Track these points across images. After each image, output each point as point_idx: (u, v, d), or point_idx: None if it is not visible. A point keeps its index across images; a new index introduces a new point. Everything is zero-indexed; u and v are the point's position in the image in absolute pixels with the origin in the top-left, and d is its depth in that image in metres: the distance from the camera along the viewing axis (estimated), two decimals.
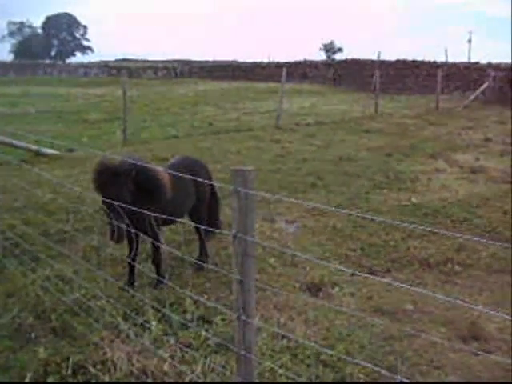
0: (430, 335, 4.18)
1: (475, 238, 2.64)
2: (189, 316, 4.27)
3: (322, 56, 62.57)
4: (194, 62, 45.63)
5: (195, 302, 4.36)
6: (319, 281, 4.97)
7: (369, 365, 2.95)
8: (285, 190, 8.15)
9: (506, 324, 4.31)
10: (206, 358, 3.70)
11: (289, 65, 34.71)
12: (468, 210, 7.16)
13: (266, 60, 38.34)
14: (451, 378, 3.64)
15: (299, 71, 35.36)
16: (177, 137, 13.05)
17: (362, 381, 3.57)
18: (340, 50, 72.94)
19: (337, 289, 4.93)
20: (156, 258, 4.90)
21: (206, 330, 4.05)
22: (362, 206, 7.39)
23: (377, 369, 2.85)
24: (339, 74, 32.89)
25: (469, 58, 42.16)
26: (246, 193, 2.60)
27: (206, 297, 4.66)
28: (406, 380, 2.90)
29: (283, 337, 3.98)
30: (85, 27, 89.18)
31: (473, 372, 3.70)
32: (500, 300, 4.76)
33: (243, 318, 2.73)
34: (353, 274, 5.23)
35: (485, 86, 20.93)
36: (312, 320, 4.33)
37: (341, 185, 8.57)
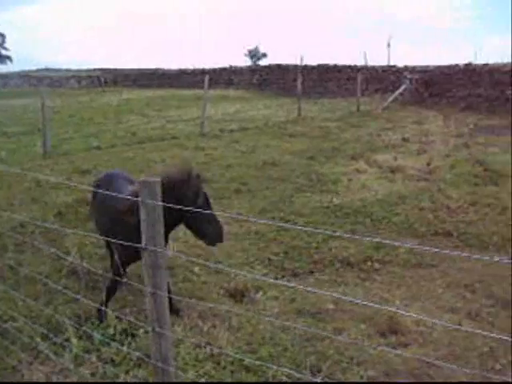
0: (351, 333, 4.30)
1: (386, 241, 2.73)
2: (111, 331, 4.18)
3: (247, 62, 62.86)
4: (118, 70, 44.71)
5: (118, 316, 4.28)
6: (243, 286, 5.00)
7: (285, 368, 3.01)
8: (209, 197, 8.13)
9: (420, 317, 4.48)
10: (127, 372, 3.65)
11: (214, 71, 34.79)
12: (387, 208, 7.40)
13: (190, 67, 38.08)
14: (370, 373, 3.75)
15: (224, 77, 35.46)
16: (99, 148, 12.76)
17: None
18: (265, 55, 73.61)
19: (260, 293, 4.98)
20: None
21: (129, 344, 3.99)
22: (286, 209, 7.50)
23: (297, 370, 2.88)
24: (264, 79, 33.19)
25: (388, 61, 43.50)
26: (153, 204, 2.58)
27: (127, 310, 4.59)
28: (328, 380, 2.97)
29: (206, 345, 3.98)
30: (2, 36, 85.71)
31: (390, 365, 3.83)
32: (416, 294, 4.95)
33: (158, 329, 2.71)
34: (276, 278, 5.32)
35: (402, 88, 21.71)
36: (235, 326, 4.35)
37: (265, 189, 8.65)
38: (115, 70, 45.15)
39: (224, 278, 5.30)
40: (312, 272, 5.50)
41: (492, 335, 4.18)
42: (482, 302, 4.74)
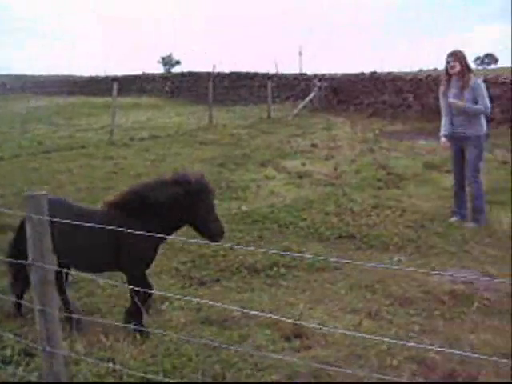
0: (256, 339, 4.34)
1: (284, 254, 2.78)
2: (9, 352, 4.00)
3: (160, 69, 62.33)
4: (27, 76, 43.00)
5: (16, 335, 4.10)
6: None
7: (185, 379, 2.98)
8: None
9: (324, 319, 4.61)
10: None
11: (125, 78, 34.21)
12: (294, 213, 7.54)
13: (102, 74, 37.29)
14: (274, 378, 3.80)
15: (137, 85, 34.99)
16: (2, 158, 12.22)
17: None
18: (178, 62, 73.33)
19: (167, 304, 4.93)
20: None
21: (27, 365, 3.83)
22: None
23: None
24: (176, 86, 33.03)
25: (300, 69, 44.55)
26: (39, 219, 2.50)
27: (26, 329, 4.40)
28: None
29: (109, 360, 3.88)
30: None
31: (293, 369, 3.89)
32: (320, 297, 5.07)
33: (48, 349, 2.62)
34: (183, 288, 5.29)
35: (311, 95, 22.24)
36: (140, 339, 4.27)
37: None
38: (23, 76, 43.42)
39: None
40: (219, 280, 5.51)
41: (390, 333, 4.42)
42: (381, 301, 4.92)
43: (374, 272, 5.56)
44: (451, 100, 6.83)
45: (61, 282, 4.33)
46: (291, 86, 25.94)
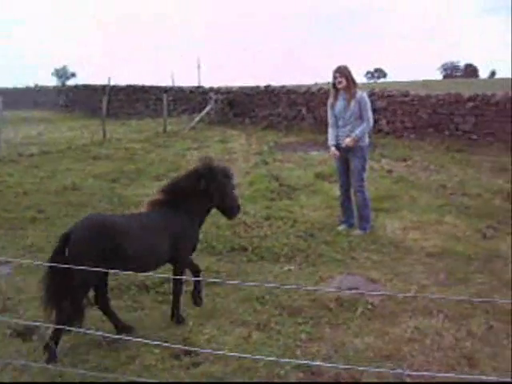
0: (144, 359, 4.25)
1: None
2: None
3: (52, 81, 60.19)
4: None
5: None
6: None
7: None
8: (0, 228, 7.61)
9: (214, 334, 4.60)
10: None
11: (15, 91, 32.74)
12: None
13: None
14: None
15: (29, 97, 33.57)
16: None
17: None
18: (73, 75, 71.31)
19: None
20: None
21: None
22: None
23: None
24: (71, 99, 32.04)
25: (199, 82, 44.76)
26: None
27: None
28: None
29: None
30: None
31: None
32: (211, 312, 5.05)
33: None
34: None
35: (208, 108, 22.33)
36: (20, 368, 4.06)
37: (64, 216, 8.29)
38: None
39: (13, 315, 4.94)
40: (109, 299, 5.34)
41: (279, 343, 4.49)
42: (271, 312, 4.99)
43: (264, 283, 5.63)
44: (347, 140, 7.12)
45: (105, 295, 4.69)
46: (188, 100, 25.93)
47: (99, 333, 4.32)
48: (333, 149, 7.36)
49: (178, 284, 4.86)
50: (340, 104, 7.22)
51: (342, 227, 7.45)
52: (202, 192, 4.72)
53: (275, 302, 5.18)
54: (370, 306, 5.05)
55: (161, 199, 4.78)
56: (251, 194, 9.51)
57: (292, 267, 5.97)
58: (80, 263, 3.91)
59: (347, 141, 7.11)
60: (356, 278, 5.82)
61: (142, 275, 5.74)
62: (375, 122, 18.37)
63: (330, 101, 7.40)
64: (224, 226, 7.44)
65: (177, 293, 4.88)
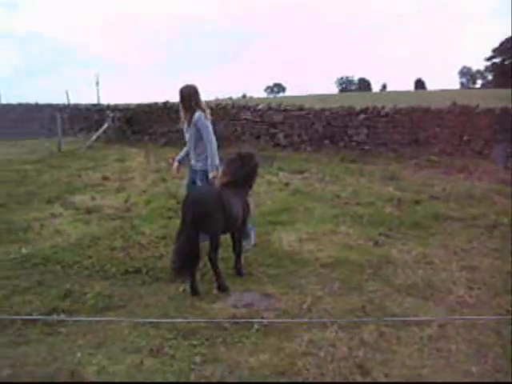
0: None
1: None
2: None
3: None
4: None
5: None
6: None
7: None
8: None
9: (104, 364, 4.38)
10: None
11: None
12: (79, 252, 7.17)
13: None
14: None
15: None
16: None
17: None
18: None
19: None
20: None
21: None
22: None
23: None
24: None
25: (98, 100, 43.55)
26: None
27: None
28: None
29: None
30: None
31: None
32: (102, 340, 4.82)
33: None
34: None
35: (105, 126, 21.78)
36: None
37: None
38: None
39: None
40: None
41: (172, 369, 4.35)
42: (165, 336, 4.83)
43: (158, 306, 5.48)
44: (211, 176, 6.88)
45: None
46: (85, 118, 25.23)
47: None
48: (176, 164, 7.30)
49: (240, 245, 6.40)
50: (186, 126, 7.04)
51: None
52: (255, 175, 6.47)
53: (170, 325, 5.02)
54: (265, 322, 5.02)
55: (230, 180, 6.18)
56: (148, 213, 9.30)
57: (187, 287, 5.83)
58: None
59: (212, 176, 6.85)
60: (252, 293, 5.79)
61: (29, 306, 5.44)
62: (273, 135, 18.82)
63: (182, 122, 7.15)
64: (118, 249, 7.20)
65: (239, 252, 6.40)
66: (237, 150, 6.63)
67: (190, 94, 6.89)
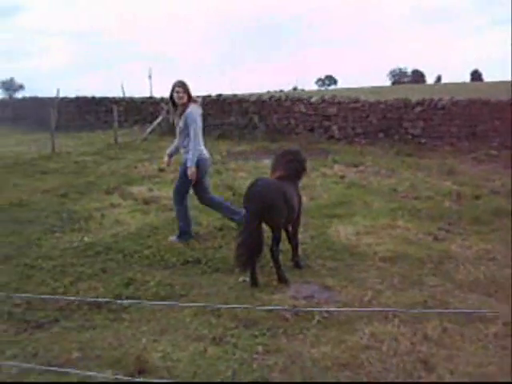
0: (97, 381, 4.09)
1: None
2: None
3: (1, 94, 58.68)
4: None
5: None
6: None
7: None
8: None
9: (168, 351, 4.48)
10: None
11: None
12: (139, 241, 7.33)
13: None
14: None
15: None
16: None
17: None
18: (21, 87, 69.69)
19: None
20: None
21: None
22: (32, 254, 6.98)
23: None
24: (18, 112, 31.26)
25: (151, 92, 44.12)
26: None
27: None
28: None
29: None
30: None
31: None
32: (165, 327, 4.92)
33: None
34: (17, 334, 4.87)
35: (159, 119, 22.09)
36: None
37: (10, 234, 7.99)
38: None
39: None
40: (57, 320, 5.14)
41: (235, 357, 4.40)
42: (226, 325, 4.89)
43: (219, 295, 5.55)
44: (189, 173, 7.06)
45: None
46: (139, 110, 25.66)
47: None
48: (166, 158, 7.68)
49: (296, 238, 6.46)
50: (177, 120, 7.21)
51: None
52: (304, 170, 6.47)
53: (231, 314, 5.08)
54: (326, 314, 5.01)
55: (282, 174, 6.18)
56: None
57: (247, 278, 5.88)
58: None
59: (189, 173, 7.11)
60: (311, 285, 5.78)
61: (94, 292, 5.60)
62: (327, 128, 18.67)
63: (172, 117, 7.35)
64: None
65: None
66: (282, 149, 6.95)
67: (189, 89, 7.03)
